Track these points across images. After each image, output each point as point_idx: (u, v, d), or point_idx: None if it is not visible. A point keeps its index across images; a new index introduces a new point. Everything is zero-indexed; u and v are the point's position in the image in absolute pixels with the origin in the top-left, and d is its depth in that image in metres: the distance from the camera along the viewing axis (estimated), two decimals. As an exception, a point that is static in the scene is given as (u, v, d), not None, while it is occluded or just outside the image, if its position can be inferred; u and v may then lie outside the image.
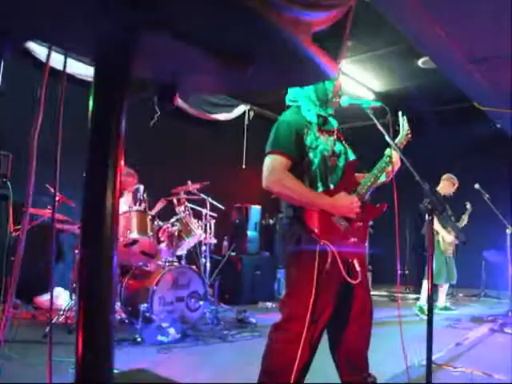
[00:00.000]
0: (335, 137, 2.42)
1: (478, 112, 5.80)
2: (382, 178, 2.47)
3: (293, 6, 0.52)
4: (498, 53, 3.42)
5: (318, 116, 2.37)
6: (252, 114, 8.08)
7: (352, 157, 2.50)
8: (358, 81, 6.76)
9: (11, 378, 2.74)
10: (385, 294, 7.05)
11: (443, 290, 5.86)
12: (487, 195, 5.49)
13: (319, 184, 2.28)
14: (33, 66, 5.32)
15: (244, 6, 0.48)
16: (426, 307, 5.50)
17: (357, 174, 2.47)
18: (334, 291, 2.22)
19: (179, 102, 6.64)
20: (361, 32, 5.29)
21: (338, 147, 2.41)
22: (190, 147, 7.02)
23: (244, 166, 7.77)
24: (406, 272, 7.43)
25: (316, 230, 2.17)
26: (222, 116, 7.48)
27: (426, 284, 5.59)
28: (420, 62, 6.04)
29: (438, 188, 5.86)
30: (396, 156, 2.42)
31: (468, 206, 6.14)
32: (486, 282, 6.86)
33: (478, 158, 6.59)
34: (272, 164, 2.22)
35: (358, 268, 2.24)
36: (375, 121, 2.41)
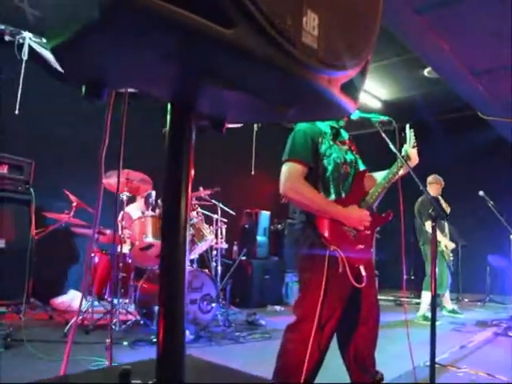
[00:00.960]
0: (348, 147, 2.58)
1: (482, 120, 5.95)
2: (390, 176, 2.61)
3: (327, 68, 0.70)
4: (498, 65, 3.57)
5: (331, 128, 2.53)
6: (260, 121, 8.26)
7: (362, 166, 2.65)
8: (366, 90, 6.92)
9: (39, 374, 2.92)
10: (391, 298, 7.17)
11: (447, 295, 5.96)
12: (491, 202, 5.62)
13: (332, 190, 2.40)
14: (50, 75, 5.55)
15: (293, 73, 0.66)
16: (428, 314, 5.62)
17: (367, 174, 2.62)
18: (342, 295, 2.33)
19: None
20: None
21: (350, 156, 2.55)
22: (201, 154, 7.11)
23: (253, 172, 7.93)
24: (412, 277, 7.55)
25: (327, 236, 2.31)
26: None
27: (425, 294, 5.70)
28: (426, 72, 6.20)
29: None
30: (413, 154, 2.58)
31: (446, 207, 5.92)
32: (491, 287, 6.97)
33: (482, 165, 6.72)
34: (289, 171, 2.37)
35: (363, 273, 2.36)
36: (384, 136, 2.56)
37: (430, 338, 2.21)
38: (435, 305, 2.26)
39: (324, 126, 2.50)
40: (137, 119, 6.48)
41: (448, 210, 5.88)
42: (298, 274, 2.51)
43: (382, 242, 7.87)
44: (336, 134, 2.53)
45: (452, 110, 7.28)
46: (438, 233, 5.58)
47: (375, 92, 7.05)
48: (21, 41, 5.31)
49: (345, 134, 2.59)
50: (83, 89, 0.74)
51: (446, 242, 5.68)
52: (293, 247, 2.53)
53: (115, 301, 4.48)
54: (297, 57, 0.64)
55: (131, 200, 5.37)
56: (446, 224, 5.87)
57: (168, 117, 0.81)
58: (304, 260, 2.42)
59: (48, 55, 5.46)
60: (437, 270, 5.52)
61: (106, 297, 4.78)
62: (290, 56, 0.64)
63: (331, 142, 2.46)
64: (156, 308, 4.26)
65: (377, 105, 7.08)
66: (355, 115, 2.62)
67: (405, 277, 3.61)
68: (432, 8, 2.64)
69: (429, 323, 5.25)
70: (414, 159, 2.58)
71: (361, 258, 2.39)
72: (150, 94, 0.83)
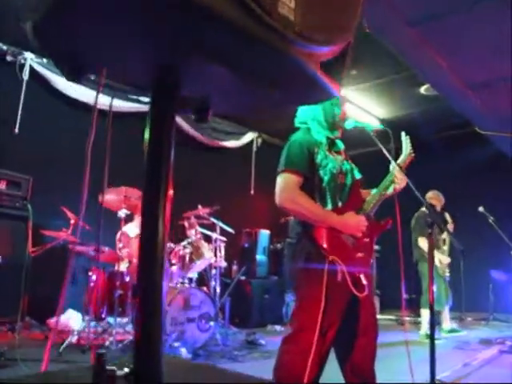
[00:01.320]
0: (343, 156, 2.59)
1: (480, 137, 5.97)
2: (388, 191, 2.61)
3: (303, 41, 0.70)
4: (495, 78, 3.60)
5: (327, 138, 2.53)
6: (260, 141, 8.31)
7: (358, 175, 2.65)
8: (363, 108, 6.98)
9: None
10: (393, 317, 7.08)
11: (446, 313, 5.86)
12: (492, 218, 5.60)
13: (328, 200, 2.39)
14: (50, 95, 5.62)
15: (272, 44, 0.66)
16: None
17: (363, 191, 2.62)
18: (342, 305, 2.30)
19: (191, 130, 6.89)
20: (365, 61, 5.53)
21: (346, 166, 2.55)
22: (201, 173, 7.23)
23: (252, 192, 7.95)
24: (413, 296, 7.46)
25: (325, 246, 2.28)
26: (231, 143, 7.71)
27: (424, 312, 5.61)
28: (422, 90, 6.26)
29: (424, 208, 5.87)
30: (401, 175, 2.57)
31: (448, 217, 5.85)
32: (495, 305, 6.88)
33: (482, 181, 6.72)
34: (285, 182, 2.36)
35: (364, 282, 2.35)
36: (377, 142, 2.57)
37: (429, 354, 2.14)
38: (434, 318, 2.20)
39: (320, 137, 2.50)
40: (136, 138, 6.53)
41: (452, 226, 5.83)
42: (294, 285, 2.47)
43: (382, 260, 7.82)
44: (331, 144, 2.54)
45: (451, 127, 7.32)
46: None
47: (373, 111, 7.11)
48: (22, 61, 5.39)
49: (340, 144, 2.60)
50: (64, 68, 0.75)
51: (439, 257, 5.59)
52: (289, 261, 2.50)
53: (112, 320, 4.43)
54: (273, 26, 0.65)
55: (129, 219, 5.36)
56: (443, 239, 5.79)
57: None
58: (300, 272, 2.38)
59: (49, 76, 5.54)
60: (434, 286, 5.46)
61: (103, 316, 4.72)
62: (268, 27, 0.65)
63: (327, 153, 2.46)
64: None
65: (375, 123, 7.11)
66: (350, 125, 2.64)
67: (404, 296, 3.56)
68: (425, 20, 2.68)
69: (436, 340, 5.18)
70: (402, 182, 2.57)
71: (361, 267, 2.37)
72: (132, 81, 0.83)
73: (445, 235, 5.77)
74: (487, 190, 6.39)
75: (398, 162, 2.58)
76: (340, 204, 2.42)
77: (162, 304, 0.81)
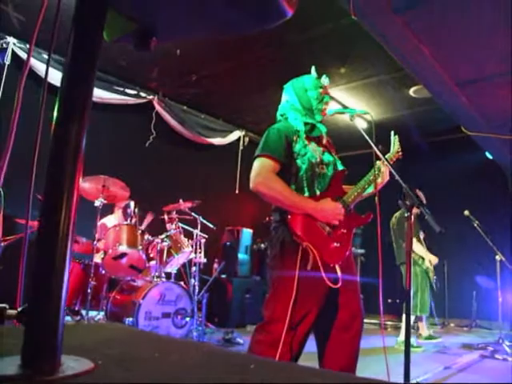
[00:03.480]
0: (324, 148, 2.54)
1: (470, 142, 5.96)
2: (370, 190, 2.56)
3: None
4: (483, 76, 3.58)
5: (305, 124, 2.49)
6: (247, 140, 8.26)
7: (341, 167, 2.60)
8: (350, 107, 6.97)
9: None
10: (376, 322, 7.03)
11: (424, 319, 5.79)
12: (477, 222, 5.58)
13: (306, 190, 2.34)
14: (31, 80, 5.50)
15: None
16: (412, 340, 5.46)
17: (345, 186, 2.57)
18: (317, 297, 2.25)
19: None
20: (353, 60, 5.52)
21: (327, 157, 2.50)
22: (185, 169, 7.16)
23: (237, 191, 7.88)
24: (397, 301, 7.42)
25: (299, 233, 2.23)
26: (217, 141, 7.63)
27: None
28: (411, 92, 6.25)
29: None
30: (385, 169, 2.53)
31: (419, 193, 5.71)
32: (478, 312, 6.87)
33: (469, 186, 6.72)
34: (260, 166, 2.32)
35: (339, 273, 2.27)
36: (362, 131, 2.53)
37: (404, 357, 2.04)
38: (409, 316, 2.11)
39: (297, 124, 2.46)
40: (120, 131, 6.45)
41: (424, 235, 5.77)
42: (268, 273, 2.41)
43: (367, 264, 7.78)
44: (311, 130, 2.49)
45: (441, 131, 7.33)
46: (421, 248, 5.49)
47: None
48: (4, 45, 5.29)
49: (322, 128, 2.56)
50: None
51: (429, 257, 5.54)
52: (269, 250, 2.44)
53: (84, 313, 4.33)
54: None
55: (109, 210, 5.26)
56: (421, 234, 5.72)
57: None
58: (274, 259, 2.34)
59: (32, 61, 5.44)
60: (419, 290, 5.40)
61: (76, 308, 4.60)
62: None
63: (306, 142, 2.42)
64: (127, 320, 4.12)
65: (363, 124, 7.10)
66: (331, 111, 2.60)
67: (387, 300, 3.51)
68: (410, 6, 2.65)
69: (414, 348, 5.09)
70: (386, 176, 2.54)
71: (336, 257, 2.31)
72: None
73: (422, 235, 5.71)
74: (473, 195, 6.39)
75: (386, 157, 2.53)
76: (318, 193, 2.37)
77: (65, 246, 0.74)
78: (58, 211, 0.70)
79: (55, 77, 5.36)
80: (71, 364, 0.67)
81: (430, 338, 5.72)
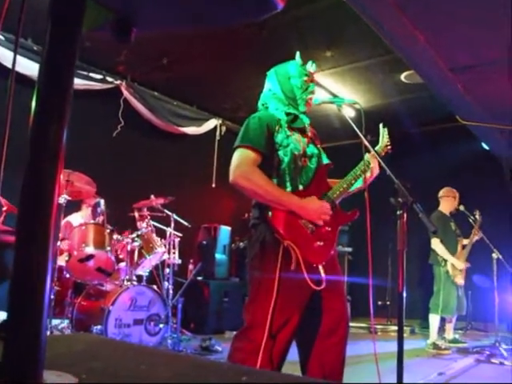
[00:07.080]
0: (308, 139, 2.57)
1: (465, 131, 6.07)
2: (358, 184, 2.60)
3: None
4: (482, 61, 3.65)
5: (287, 114, 2.52)
6: (224, 129, 8.23)
7: (326, 160, 2.64)
8: (337, 95, 7.01)
9: None
10: (364, 325, 7.15)
11: (452, 322, 5.96)
12: (472, 217, 5.71)
13: (288, 183, 2.37)
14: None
15: None
16: (440, 342, 5.62)
17: (330, 180, 2.61)
18: (300, 300, 2.27)
19: (133, 101, 6.77)
20: (341, 43, 5.56)
21: (311, 149, 2.53)
22: (156, 162, 7.12)
23: (214, 185, 7.87)
24: (388, 303, 7.56)
25: (280, 230, 2.24)
26: (191, 130, 7.58)
27: (433, 318, 5.68)
28: (403, 77, 6.34)
29: (440, 208, 6.00)
30: (375, 163, 2.56)
31: (477, 215, 5.90)
32: (473, 314, 7.03)
33: (465, 179, 6.84)
34: (240, 158, 2.34)
35: (322, 274, 2.30)
36: (351, 123, 2.58)
37: (396, 359, 2.09)
38: (403, 311, 2.16)
39: (278, 113, 2.49)
40: (84, 120, 6.38)
41: (476, 237, 5.85)
42: (247, 274, 2.43)
43: (354, 263, 7.89)
44: (293, 120, 2.52)
45: (434, 120, 7.45)
46: (444, 250, 5.63)
47: (348, 98, 7.13)
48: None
49: (305, 119, 2.59)
50: None
51: (453, 261, 5.66)
52: (248, 249, 2.46)
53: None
54: None
55: (74, 207, 5.22)
56: (463, 244, 5.85)
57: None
58: (255, 258, 2.35)
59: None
60: (441, 290, 5.58)
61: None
62: None
63: (288, 132, 2.45)
64: (95, 328, 4.12)
65: (351, 113, 7.17)
66: (317, 100, 2.64)
67: (377, 303, 3.57)
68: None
69: (440, 352, 5.26)
70: (375, 170, 2.57)
71: (320, 257, 2.34)
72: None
73: (466, 241, 5.87)
74: (468, 188, 6.50)
75: (375, 150, 2.57)
76: (301, 188, 2.40)
77: (47, 256, 0.76)
78: (36, 222, 0.72)
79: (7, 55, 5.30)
80: (55, 380, 0.69)
81: (454, 341, 5.90)
